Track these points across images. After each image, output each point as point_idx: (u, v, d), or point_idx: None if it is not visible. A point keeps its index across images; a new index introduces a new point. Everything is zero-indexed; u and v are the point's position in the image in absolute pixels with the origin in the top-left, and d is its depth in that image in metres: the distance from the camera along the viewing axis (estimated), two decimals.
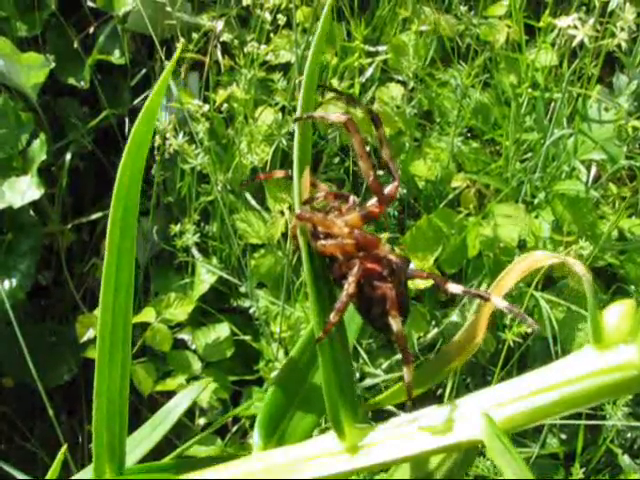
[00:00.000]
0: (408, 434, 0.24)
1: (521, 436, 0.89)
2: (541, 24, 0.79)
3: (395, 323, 0.27)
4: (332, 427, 0.25)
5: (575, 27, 0.65)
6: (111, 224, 0.25)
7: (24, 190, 0.87)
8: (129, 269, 0.25)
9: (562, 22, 0.67)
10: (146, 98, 1.01)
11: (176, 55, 0.27)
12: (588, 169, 0.88)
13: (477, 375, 0.98)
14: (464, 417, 0.24)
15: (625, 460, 0.84)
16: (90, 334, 0.83)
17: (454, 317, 0.85)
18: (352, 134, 0.28)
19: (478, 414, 0.23)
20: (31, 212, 0.90)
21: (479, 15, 0.90)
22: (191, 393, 0.44)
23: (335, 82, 0.86)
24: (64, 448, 0.27)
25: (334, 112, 0.87)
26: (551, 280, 0.86)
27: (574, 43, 0.67)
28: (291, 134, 0.83)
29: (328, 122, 0.29)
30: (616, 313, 0.23)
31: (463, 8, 0.98)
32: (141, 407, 0.95)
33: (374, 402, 0.28)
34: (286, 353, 0.87)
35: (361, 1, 1.00)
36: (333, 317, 0.27)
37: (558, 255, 0.23)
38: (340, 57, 0.94)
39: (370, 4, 1.04)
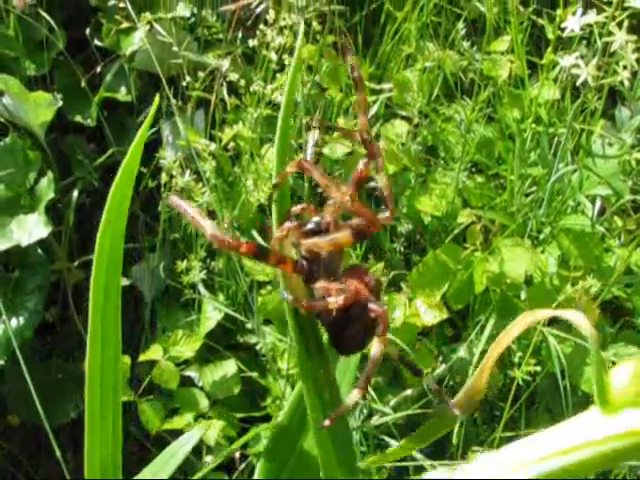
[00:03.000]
0: None
1: None
2: (544, 61, 0.80)
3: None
4: None
5: (578, 66, 0.66)
6: (94, 293, 0.24)
7: (31, 228, 0.87)
8: (115, 340, 0.25)
9: (565, 61, 0.68)
10: (152, 135, 1.01)
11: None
12: (592, 202, 0.88)
13: (485, 410, 0.97)
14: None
15: None
16: None
17: (461, 352, 0.85)
18: (310, 172, 0.28)
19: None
20: (39, 250, 0.90)
21: (482, 51, 0.91)
22: (195, 434, 0.44)
23: (340, 120, 0.87)
24: None
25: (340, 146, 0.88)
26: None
27: (578, 82, 0.67)
28: (298, 173, 0.83)
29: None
30: (624, 373, 0.21)
31: (466, 44, 0.99)
32: (148, 445, 0.95)
33: (375, 460, 0.28)
34: (293, 390, 0.86)
35: (364, 38, 1.01)
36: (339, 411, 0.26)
37: (556, 311, 0.23)
38: (345, 93, 0.95)
39: (373, 40, 1.06)
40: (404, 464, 0.83)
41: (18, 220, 0.88)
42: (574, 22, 0.64)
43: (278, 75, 0.82)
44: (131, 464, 1.03)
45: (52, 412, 0.89)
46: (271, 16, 0.75)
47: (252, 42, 0.77)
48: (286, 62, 0.77)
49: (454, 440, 0.83)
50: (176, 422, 0.84)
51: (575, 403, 0.85)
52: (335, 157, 0.84)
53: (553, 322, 0.84)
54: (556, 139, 0.90)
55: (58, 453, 0.76)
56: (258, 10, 0.75)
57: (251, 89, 0.81)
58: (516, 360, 0.77)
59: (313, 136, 0.68)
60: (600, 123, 0.86)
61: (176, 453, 0.38)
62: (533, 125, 0.86)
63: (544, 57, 0.85)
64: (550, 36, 0.75)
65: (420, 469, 0.80)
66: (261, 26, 0.75)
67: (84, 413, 0.93)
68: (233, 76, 0.80)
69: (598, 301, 0.83)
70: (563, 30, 0.68)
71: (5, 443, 0.98)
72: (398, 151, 0.84)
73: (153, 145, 1.02)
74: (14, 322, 0.86)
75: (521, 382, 0.74)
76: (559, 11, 0.72)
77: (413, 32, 1.00)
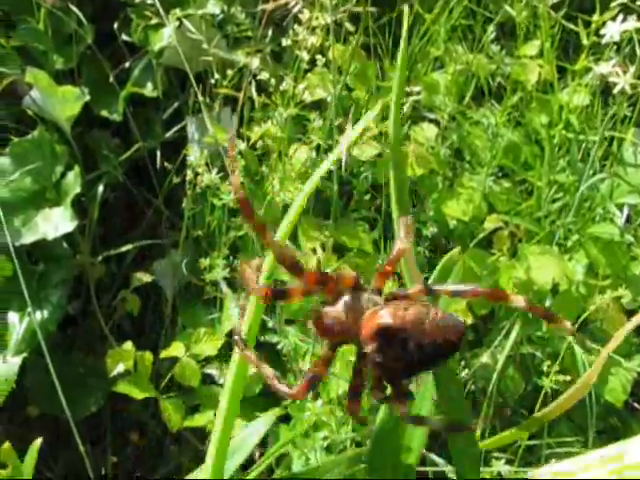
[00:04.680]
0: None
1: None
2: (577, 67, 0.79)
3: None
4: None
5: (617, 74, 0.65)
6: None
7: (57, 222, 0.87)
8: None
9: (602, 68, 0.67)
10: (178, 131, 1.00)
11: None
12: (620, 210, 0.88)
13: (504, 416, 0.96)
14: None
15: None
16: (120, 368, 0.83)
17: (485, 358, 0.84)
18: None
19: None
20: (64, 244, 0.90)
21: (515, 56, 0.91)
22: (265, 423, 0.45)
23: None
24: None
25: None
26: (584, 323, 0.85)
27: (615, 90, 0.67)
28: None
29: None
30: None
31: (495, 47, 0.98)
32: (165, 442, 0.95)
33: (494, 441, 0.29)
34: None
35: (393, 39, 1.01)
36: None
37: None
38: (372, 94, 0.94)
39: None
40: (424, 469, 0.82)
41: (44, 213, 0.89)
42: (614, 29, 0.63)
43: (309, 75, 0.81)
44: (148, 461, 1.03)
45: (73, 405, 0.89)
46: (304, 15, 0.74)
47: (285, 41, 0.77)
48: (318, 63, 0.76)
49: None
50: (197, 420, 0.84)
51: (598, 412, 0.84)
52: (364, 158, 0.83)
53: (578, 330, 0.84)
54: (584, 145, 0.89)
55: (82, 448, 0.76)
56: (295, 9, 0.75)
57: (281, 88, 0.81)
58: (544, 369, 0.77)
59: (347, 138, 0.67)
60: (631, 131, 0.85)
61: (250, 435, 0.39)
62: (563, 132, 0.86)
63: (576, 62, 0.84)
64: (585, 42, 0.74)
65: (440, 475, 0.80)
66: (294, 25, 0.75)
67: (103, 406, 0.92)
68: (263, 74, 0.80)
69: (621, 308, 0.82)
70: (600, 36, 0.67)
71: (25, 434, 0.98)
72: (427, 154, 0.83)
73: (178, 142, 1.02)
74: (38, 315, 0.86)
75: (549, 391, 0.74)
76: (595, 17, 0.71)
77: (442, 34, 1.00)
